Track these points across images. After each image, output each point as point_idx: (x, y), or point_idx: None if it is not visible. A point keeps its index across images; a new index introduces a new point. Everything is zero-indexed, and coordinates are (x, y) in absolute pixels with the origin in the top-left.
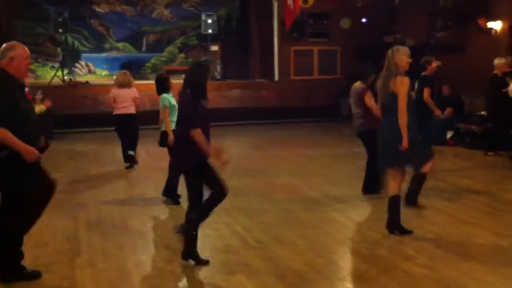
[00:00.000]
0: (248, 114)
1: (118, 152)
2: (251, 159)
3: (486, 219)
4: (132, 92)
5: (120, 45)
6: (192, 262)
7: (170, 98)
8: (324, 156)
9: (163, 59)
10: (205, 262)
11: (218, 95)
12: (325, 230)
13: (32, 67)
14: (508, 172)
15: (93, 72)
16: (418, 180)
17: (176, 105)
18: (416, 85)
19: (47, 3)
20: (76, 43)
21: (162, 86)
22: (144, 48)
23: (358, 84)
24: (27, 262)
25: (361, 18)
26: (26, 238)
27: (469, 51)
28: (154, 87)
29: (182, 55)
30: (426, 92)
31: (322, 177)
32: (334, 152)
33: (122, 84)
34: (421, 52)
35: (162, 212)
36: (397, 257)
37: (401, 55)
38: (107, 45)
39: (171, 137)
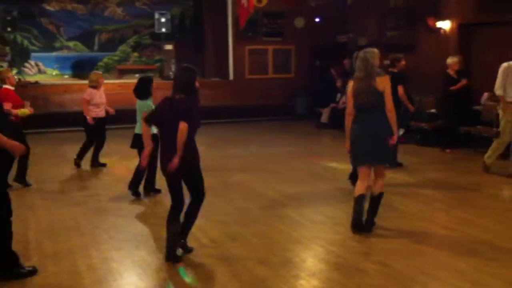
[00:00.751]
0: (204, 113)
1: (70, 153)
2: (206, 158)
3: (438, 215)
4: (103, 93)
5: (71, 44)
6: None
7: (152, 104)
8: (279, 154)
9: (116, 58)
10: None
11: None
12: (280, 228)
13: None
14: (458, 168)
15: (43, 71)
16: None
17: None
18: None
19: None
20: (26, 42)
21: (147, 90)
22: (96, 47)
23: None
24: None
25: (315, 18)
26: None
27: (419, 50)
28: (106, 86)
29: (135, 54)
30: (401, 89)
31: (277, 175)
32: (289, 150)
33: (99, 85)
34: None
35: (115, 213)
36: (351, 254)
37: (377, 56)
38: (57, 44)
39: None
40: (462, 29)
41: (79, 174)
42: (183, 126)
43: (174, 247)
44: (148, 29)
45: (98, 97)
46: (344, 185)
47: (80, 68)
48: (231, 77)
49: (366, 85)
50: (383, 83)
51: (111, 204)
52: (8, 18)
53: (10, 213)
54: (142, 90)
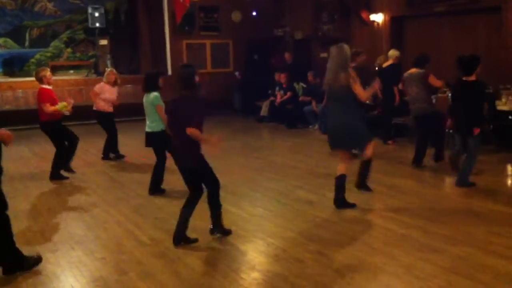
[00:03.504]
0: (141, 110)
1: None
2: (142, 154)
3: (374, 203)
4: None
5: (1, 40)
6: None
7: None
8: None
9: (49, 54)
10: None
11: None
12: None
13: None
14: (393, 159)
15: None
16: (365, 166)
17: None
18: None
19: None
20: None
21: (155, 83)
22: (27, 44)
23: (415, 71)
24: None
25: (251, 12)
26: None
27: (353, 43)
28: (37, 83)
29: (68, 50)
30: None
31: (215, 170)
32: (228, 145)
33: (111, 82)
34: (309, 44)
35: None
36: (289, 245)
37: (348, 51)
38: None
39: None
40: (394, 22)
41: (30, 172)
42: (190, 131)
43: (181, 232)
44: (81, 24)
45: (108, 93)
46: (282, 178)
47: (11, 65)
48: (169, 72)
49: (334, 77)
50: (349, 77)
51: (42, 203)
52: None
53: (5, 206)
54: (150, 83)
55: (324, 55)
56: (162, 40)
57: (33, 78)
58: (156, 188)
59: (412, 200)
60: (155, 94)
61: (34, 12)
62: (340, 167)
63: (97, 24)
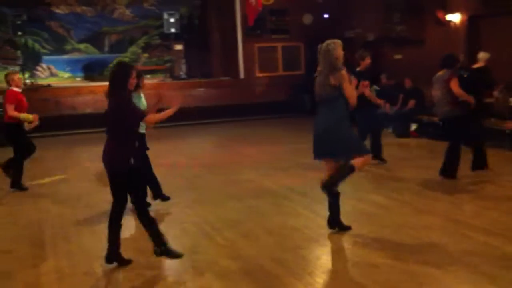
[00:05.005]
0: (213, 113)
1: (84, 154)
2: (216, 156)
3: (451, 209)
4: None
5: (82, 46)
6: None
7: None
8: (288, 151)
9: (126, 59)
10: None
11: (182, 94)
12: (291, 225)
13: None
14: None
15: (55, 74)
16: (342, 169)
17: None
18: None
19: (3, 6)
20: (37, 45)
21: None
22: (106, 49)
23: (442, 73)
24: None
25: (321, 14)
26: None
27: (428, 44)
28: None
29: (145, 55)
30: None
31: (286, 172)
32: (298, 147)
33: None
34: (381, 46)
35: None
36: (364, 251)
37: (339, 49)
38: (68, 47)
39: None
40: (471, 21)
41: (91, 176)
42: (149, 120)
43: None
44: (157, 30)
45: None
46: (355, 181)
47: (91, 70)
48: (242, 75)
49: (322, 78)
50: (338, 78)
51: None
52: (18, 22)
53: None
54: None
55: (397, 56)
56: (234, 43)
57: None
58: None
59: (490, 205)
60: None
61: (113, 18)
62: (324, 177)
63: (172, 30)
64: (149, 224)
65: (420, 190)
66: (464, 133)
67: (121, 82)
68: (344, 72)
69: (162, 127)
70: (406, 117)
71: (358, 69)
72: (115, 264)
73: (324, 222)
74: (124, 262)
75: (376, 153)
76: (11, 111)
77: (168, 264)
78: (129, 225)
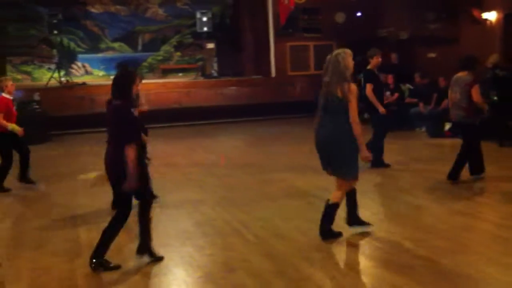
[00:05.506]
0: (244, 111)
1: None
2: (248, 155)
3: (487, 210)
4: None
5: (116, 45)
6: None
7: None
8: None
9: (159, 58)
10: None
11: (213, 92)
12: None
13: (28, 69)
14: (506, 163)
15: (90, 73)
16: (326, 213)
17: None
18: (362, 80)
19: (39, 5)
20: (72, 44)
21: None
22: (140, 48)
23: (463, 75)
24: (26, 266)
25: (354, 12)
26: (23, 242)
27: (462, 42)
28: (150, 86)
29: (178, 53)
30: (369, 87)
31: (318, 172)
32: None
33: None
34: (414, 44)
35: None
36: (396, 250)
37: (349, 59)
38: (102, 46)
39: None
40: (508, 19)
41: None
42: (129, 152)
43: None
44: (189, 29)
45: None
46: (388, 181)
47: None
48: (273, 74)
49: (329, 87)
50: (346, 91)
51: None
52: (54, 21)
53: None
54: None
55: (431, 55)
56: (266, 42)
57: (145, 81)
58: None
59: None
60: None
61: (146, 17)
62: (334, 194)
63: (205, 28)
64: (110, 233)
65: (453, 190)
66: (478, 136)
67: (125, 89)
68: (353, 86)
69: (193, 125)
70: (439, 116)
71: (368, 67)
72: (146, 257)
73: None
74: (154, 256)
75: (375, 159)
76: (0, 119)
77: (199, 260)
78: (158, 220)
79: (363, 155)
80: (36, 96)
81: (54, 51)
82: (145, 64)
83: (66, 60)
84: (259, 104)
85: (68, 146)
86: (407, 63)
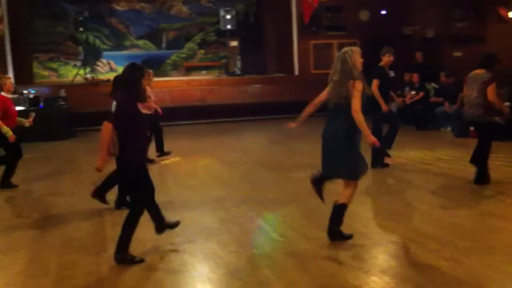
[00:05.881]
0: (268, 109)
1: None
2: (271, 153)
3: (510, 211)
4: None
5: (140, 42)
6: None
7: None
8: None
9: (183, 55)
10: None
11: (237, 90)
12: (348, 223)
13: (54, 65)
14: None
15: (115, 70)
16: (334, 214)
17: None
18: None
19: (65, 2)
20: (97, 41)
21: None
22: (164, 45)
23: (481, 72)
24: (53, 259)
25: (378, 10)
26: (50, 236)
27: (489, 41)
28: (174, 83)
29: (201, 51)
30: (374, 84)
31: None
32: None
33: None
34: (439, 43)
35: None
36: (422, 251)
37: (357, 56)
38: (127, 43)
39: None
40: None
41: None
42: (104, 125)
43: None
44: (213, 26)
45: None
46: (412, 180)
47: (149, 66)
48: (297, 72)
49: (337, 86)
50: (351, 88)
51: (179, 198)
52: (80, 18)
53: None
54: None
55: (457, 54)
56: (289, 40)
57: (169, 78)
58: None
59: None
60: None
61: (170, 15)
62: (342, 194)
63: (228, 26)
64: (130, 227)
65: (479, 191)
66: (492, 137)
67: (133, 84)
68: (359, 83)
69: (217, 123)
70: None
71: (380, 64)
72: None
73: (383, 222)
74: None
75: (375, 159)
76: None
77: (224, 257)
78: (182, 216)
79: (370, 141)
80: (62, 93)
81: (80, 48)
82: (169, 61)
83: (91, 57)
84: (282, 102)
85: (91, 142)
86: (432, 62)
